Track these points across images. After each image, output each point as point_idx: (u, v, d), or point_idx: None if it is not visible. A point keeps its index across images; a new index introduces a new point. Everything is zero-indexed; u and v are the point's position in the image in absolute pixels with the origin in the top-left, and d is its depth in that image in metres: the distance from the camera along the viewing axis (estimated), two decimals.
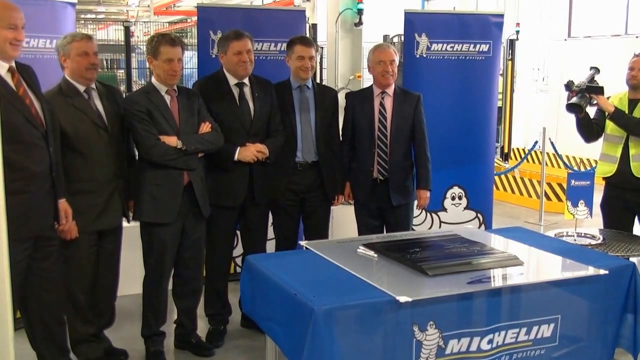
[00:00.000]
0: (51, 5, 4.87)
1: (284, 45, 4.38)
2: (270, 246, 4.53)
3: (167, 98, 3.71)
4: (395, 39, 9.27)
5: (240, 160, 3.94)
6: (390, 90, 4.29)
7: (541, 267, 3.23)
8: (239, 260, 4.96)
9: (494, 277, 2.90)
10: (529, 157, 10.31)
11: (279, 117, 4.13)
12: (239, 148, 3.93)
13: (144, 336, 3.92)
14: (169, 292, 3.96)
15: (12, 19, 2.94)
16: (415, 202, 4.43)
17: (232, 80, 4.01)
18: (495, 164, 7.86)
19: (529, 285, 2.88)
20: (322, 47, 8.67)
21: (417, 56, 5.39)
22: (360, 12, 6.54)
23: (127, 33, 7.38)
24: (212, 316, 4.25)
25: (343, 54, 6.62)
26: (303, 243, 3.46)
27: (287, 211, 4.28)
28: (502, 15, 5.65)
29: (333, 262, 3.04)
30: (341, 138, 4.42)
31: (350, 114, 4.36)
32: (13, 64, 3.02)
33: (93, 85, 3.57)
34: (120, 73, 11.45)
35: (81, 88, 3.51)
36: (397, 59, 4.25)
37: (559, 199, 8.19)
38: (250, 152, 3.94)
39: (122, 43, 8.04)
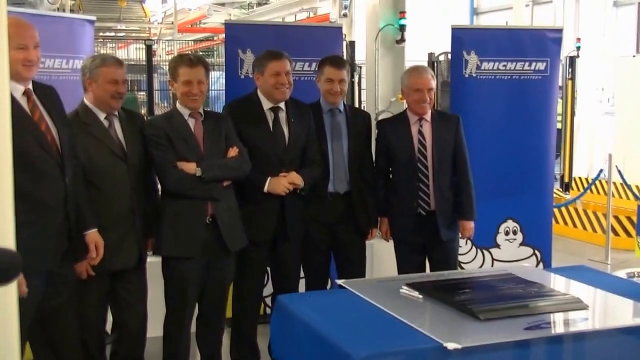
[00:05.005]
0: (68, 22, 5.00)
1: None
2: (301, 285, 4.52)
3: (191, 122, 3.76)
4: (442, 58, 9.28)
5: (271, 192, 3.96)
6: (428, 116, 4.30)
7: (608, 311, 3.17)
8: (269, 301, 4.96)
9: (554, 322, 2.86)
10: (593, 187, 10.14)
11: (317, 145, 4.16)
12: (269, 179, 3.95)
13: None
14: (192, 335, 3.97)
15: (22, 38, 2.99)
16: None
17: (267, 104, 4.05)
18: (555, 195, 7.76)
19: (594, 332, 2.82)
20: (360, 67, 8.72)
21: (466, 76, 5.40)
22: (402, 28, 6.58)
23: (149, 52, 7.52)
24: None
25: (383, 74, 6.65)
26: (340, 282, 3.45)
27: (316, 245, 4.28)
28: (560, 30, 5.63)
29: (373, 303, 3.03)
30: (375, 168, 4.43)
31: (385, 143, 4.37)
32: (30, 86, 3.08)
33: (115, 112, 3.61)
34: (141, 95, 11.65)
35: (101, 115, 3.56)
36: (434, 84, 4.27)
37: (628, 235, 8.03)
38: (282, 184, 3.95)
39: (144, 63, 8.19)
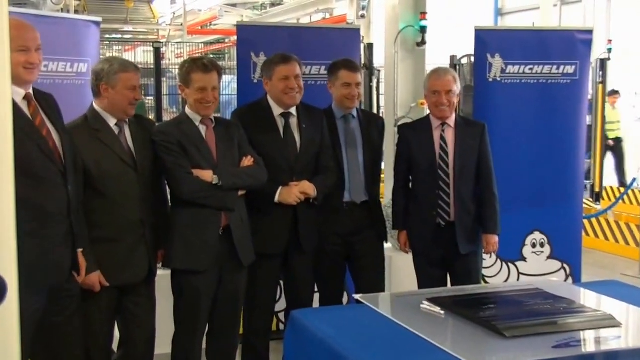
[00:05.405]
0: (72, 24, 5.02)
1: None
2: (315, 300, 4.53)
3: (202, 128, 3.77)
4: (464, 60, 9.27)
5: (282, 203, 3.97)
6: (452, 121, 4.30)
7: None
8: (282, 316, 4.97)
9: (584, 340, 2.83)
10: (625, 197, 10.10)
11: (331, 152, 4.18)
12: (280, 188, 3.97)
13: None
14: (203, 352, 3.98)
15: (23, 40, 3.00)
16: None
17: (277, 110, 4.07)
18: (585, 206, 7.72)
19: (627, 351, 2.79)
20: (378, 71, 8.72)
21: (490, 80, 5.39)
22: (423, 29, 6.56)
23: (158, 55, 7.57)
24: None
25: (403, 78, 6.64)
26: (357, 296, 3.45)
27: (331, 257, 4.30)
28: (590, 31, 5.61)
29: (392, 319, 3.03)
30: (394, 177, 4.47)
31: (406, 149, 4.38)
32: (30, 91, 3.10)
33: (127, 118, 3.63)
34: (149, 100, 11.70)
35: (112, 121, 3.57)
36: (456, 87, 4.26)
37: None
38: (293, 193, 3.97)
39: (152, 66, 8.24)
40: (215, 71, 3.75)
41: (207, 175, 3.68)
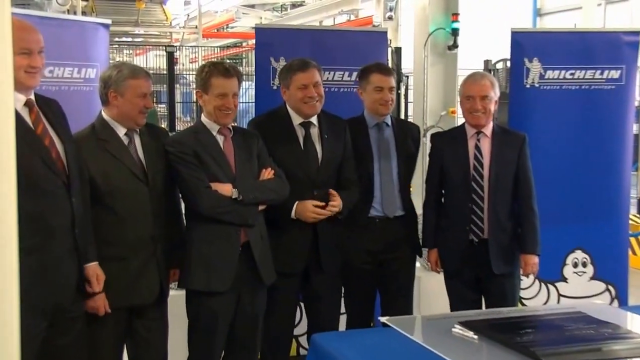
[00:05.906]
0: (80, 26, 5.05)
1: None
2: (342, 323, 4.52)
3: (220, 138, 3.79)
4: (500, 65, 9.27)
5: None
6: (488, 130, 4.29)
7: None
8: (303, 340, 4.96)
9: None
10: None
11: (353, 163, 4.18)
12: (296, 203, 3.97)
13: None
14: None
15: (25, 42, 2.99)
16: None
17: (297, 119, 4.08)
18: (631, 222, 7.65)
19: None
20: (407, 76, 8.73)
21: (528, 86, 5.37)
22: (455, 32, 6.58)
23: (171, 59, 7.64)
24: None
25: (433, 84, 6.65)
26: (383, 319, 3.44)
27: (360, 276, 4.29)
28: (638, 33, 5.57)
29: (421, 344, 3.01)
30: (425, 190, 4.46)
31: (438, 160, 4.38)
32: (32, 97, 3.11)
33: (137, 128, 3.64)
34: (161, 108, 11.76)
35: (121, 131, 3.58)
36: (493, 92, 4.23)
37: None
38: (309, 210, 3.96)
39: (164, 72, 8.31)
40: (236, 77, 3.77)
41: (227, 189, 3.68)
